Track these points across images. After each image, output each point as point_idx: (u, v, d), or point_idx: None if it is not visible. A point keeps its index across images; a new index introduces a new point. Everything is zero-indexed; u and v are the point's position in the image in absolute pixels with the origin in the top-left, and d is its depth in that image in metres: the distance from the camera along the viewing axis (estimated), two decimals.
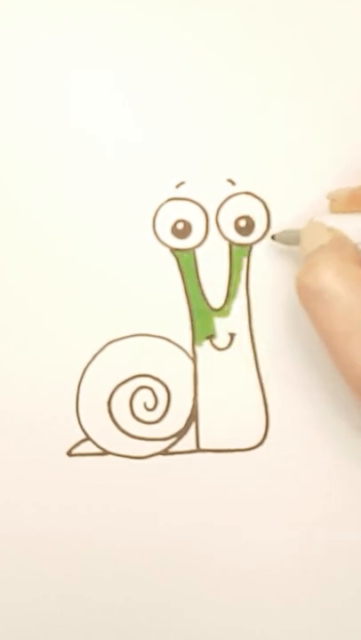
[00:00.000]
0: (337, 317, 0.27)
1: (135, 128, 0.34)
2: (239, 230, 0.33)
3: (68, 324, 0.33)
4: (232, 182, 0.34)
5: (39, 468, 0.32)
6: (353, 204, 0.31)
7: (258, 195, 0.34)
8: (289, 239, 0.32)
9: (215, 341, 0.33)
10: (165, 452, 0.32)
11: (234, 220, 0.33)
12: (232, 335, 0.33)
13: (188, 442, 0.33)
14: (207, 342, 0.33)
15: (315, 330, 0.28)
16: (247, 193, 0.34)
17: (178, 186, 0.34)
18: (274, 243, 0.33)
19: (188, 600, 0.32)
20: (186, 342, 0.33)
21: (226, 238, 0.33)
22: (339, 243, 0.29)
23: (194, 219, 0.33)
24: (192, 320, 0.33)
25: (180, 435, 0.33)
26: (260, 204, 0.33)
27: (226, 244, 0.33)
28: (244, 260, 0.33)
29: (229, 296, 0.33)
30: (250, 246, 0.33)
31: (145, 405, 0.33)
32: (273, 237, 0.32)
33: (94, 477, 0.32)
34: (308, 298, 0.28)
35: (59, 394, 0.33)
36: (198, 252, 0.33)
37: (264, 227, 0.33)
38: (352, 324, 0.27)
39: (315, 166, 0.34)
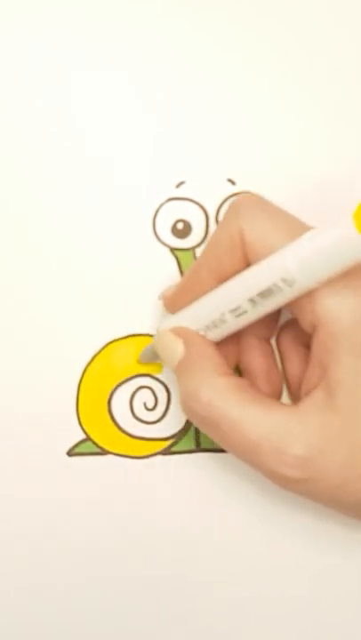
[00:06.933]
0: (229, 437, 0.27)
1: (135, 128, 0.34)
2: None
3: (68, 324, 0.33)
4: (232, 182, 0.34)
5: (39, 468, 0.32)
6: (181, 299, 0.30)
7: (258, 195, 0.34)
8: (151, 356, 0.32)
9: None
10: (165, 452, 0.32)
11: None
12: None
13: (188, 442, 0.33)
14: None
15: None
16: (247, 193, 0.34)
17: (178, 186, 0.34)
18: None
19: (187, 600, 0.32)
20: None
21: None
22: (194, 349, 0.29)
23: (194, 218, 0.33)
24: None
25: (180, 435, 0.33)
26: None
27: None
28: None
29: None
30: None
31: (145, 405, 0.33)
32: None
33: (94, 477, 0.32)
34: (198, 426, 0.29)
35: (59, 394, 0.33)
36: (198, 251, 0.33)
37: None
38: (243, 440, 0.27)
39: (315, 166, 0.34)
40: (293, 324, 0.31)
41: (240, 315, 0.28)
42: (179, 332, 0.30)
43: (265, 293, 0.27)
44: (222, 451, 0.32)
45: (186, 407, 0.29)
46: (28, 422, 0.32)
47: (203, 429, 0.29)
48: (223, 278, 0.29)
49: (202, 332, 0.29)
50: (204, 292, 0.29)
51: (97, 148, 0.34)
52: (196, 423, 0.29)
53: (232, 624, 0.32)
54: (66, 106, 0.34)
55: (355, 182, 0.34)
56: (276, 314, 0.31)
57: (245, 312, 0.28)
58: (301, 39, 0.34)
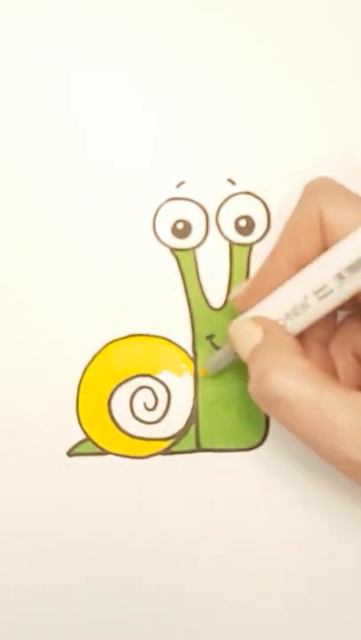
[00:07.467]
0: (303, 418, 0.26)
1: (135, 128, 0.34)
2: (239, 230, 0.33)
3: (68, 324, 0.33)
4: (232, 182, 0.34)
5: (39, 468, 0.32)
6: (256, 293, 0.30)
7: (258, 195, 0.34)
8: (217, 363, 0.32)
9: (215, 341, 0.33)
10: (165, 452, 0.32)
11: (234, 219, 0.33)
12: None
13: (188, 442, 0.33)
14: (207, 342, 0.33)
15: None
16: (247, 193, 0.34)
17: (178, 186, 0.34)
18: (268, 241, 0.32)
19: (187, 600, 0.32)
20: (186, 342, 0.33)
21: (226, 238, 0.33)
22: (272, 335, 0.29)
23: (194, 219, 0.33)
24: (192, 320, 0.33)
25: (180, 435, 0.33)
26: (260, 204, 0.34)
27: (226, 244, 0.33)
28: (245, 259, 0.33)
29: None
30: (250, 246, 0.33)
31: (145, 405, 0.33)
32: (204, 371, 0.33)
33: (94, 477, 0.32)
34: (268, 408, 0.28)
35: (59, 394, 0.33)
36: (198, 251, 0.33)
37: (264, 227, 0.33)
38: (319, 422, 0.26)
39: (315, 166, 0.34)
40: (342, 332, 0.31)
41: (325, 295, 0.27)
42: (258, 320, 0.29)
43: (354, 266, 0.26)
44: (222, 451, 0.32)
45: (258, 388, 0.27)
46: (28, 422, 0.32)
47: (273, 411, 0.27)
48: (301, 264, 0.28)
49: (281, 323, 0.29)
50: (281, 282, 0.29)
51: (97, 148, 0.34)
52: (265, 405, 0.27)
53: (232, 624, 0.32)
54: (66, 106, 0.34)
55: (355, 182, 0.34)
56: (334, 317, 0.31)
57: (331, 292, 0.27)
58: (301, 39, 0.34)
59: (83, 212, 0.33)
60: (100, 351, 0.33)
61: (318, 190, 0.29)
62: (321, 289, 0.27)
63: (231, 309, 0.33)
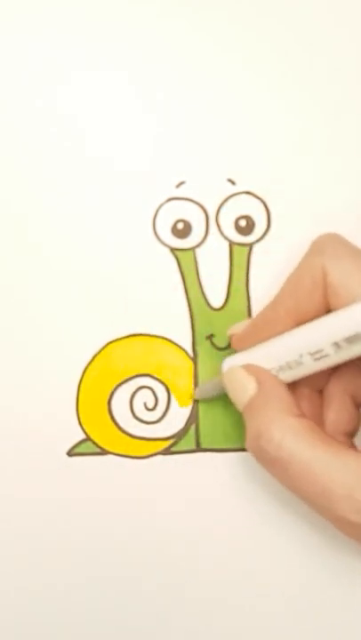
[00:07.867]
0: (297, 479, 0.27)
1: (135, 128, 0.34)
2: (239, 230, 0.33)
3: (68, 324, 0.33)
4: (232, 182, 0.34)
5: (39, 468, 0.32)
6: (252, 337, 0.30)
7: (258, 195, 0.34)
8: (210, 390, 0.32)
9: (215, 341, 0.33)
10: (165, 452, 0.32)
11: (234, 219, 0.33)
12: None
13: (188, 442, 0.33)
14: (207, 342, 0.33)
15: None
16: (247, 193, 0.34)
17: (178, 186, 0.34)
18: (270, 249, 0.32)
19: (187, 600, 0.32)
20: (186, 342, 0.33)
21: (226, 238, 0.33)
22: (266, 389, 0.29)
23: (194, 218, 0.33)
24: (192, 320, 0.33)
25: (180, 435, 0.33)
26: (260, 204, 0.34)
27: (226, 244, 0.33)
28: (245, 259, 0.33)
29: (230, 296, 0.33)
30: (250, 246, 0.33)
31: (145, 405, 0.33)
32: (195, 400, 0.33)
33: (94, 477, 0.32)
34: (264, 465, 0.28)
35: (59, 394, 0.33)
36: (198, 251, 0.33)
37: (264, 226, 0.33)
38: (313, 483, 0.26)
39: (315, 166, 0.34)
40: (343, 372, 0.31)
41: (320, 358, 0.27)
42: (251, 369, 0.29)
43: (353, 339, 0.26)
44: (222, 451, 0.32)
45: (254, 446, 0.28)
46: (28, 422, 0.32)
47: (269, 470, 0.28)
48: (300, 319, 0.28)
49: (274, 372, 0.29)
50: (279, 332, 0.29)
51: (97, 148, 0.34)
52: (263, 463, 0.28)
53: (232, 624, 0.32)
54: (66, 106, 0.34)
55: (354, 182, 0.34)
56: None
57: (327, 356, 0.27)
58: (301, 39, 0.34)
59: (83, 212, 0.33)
60: (100, 351, 0.33)
61: (324, 248, 0.28)
62: (317, 352, 0.27)
63: (231, 309, 0.33)
